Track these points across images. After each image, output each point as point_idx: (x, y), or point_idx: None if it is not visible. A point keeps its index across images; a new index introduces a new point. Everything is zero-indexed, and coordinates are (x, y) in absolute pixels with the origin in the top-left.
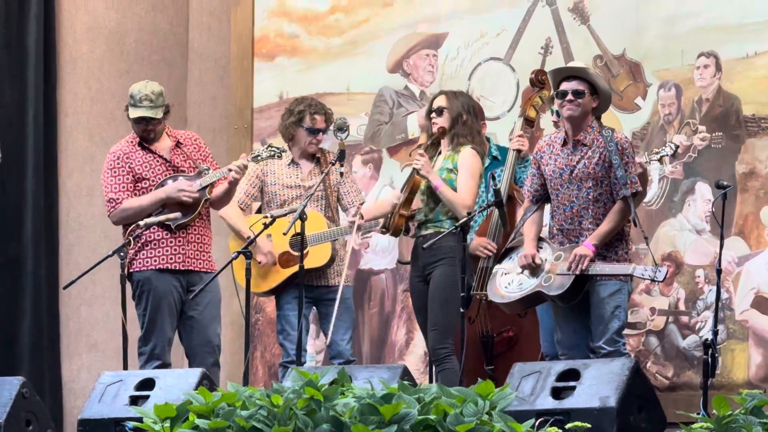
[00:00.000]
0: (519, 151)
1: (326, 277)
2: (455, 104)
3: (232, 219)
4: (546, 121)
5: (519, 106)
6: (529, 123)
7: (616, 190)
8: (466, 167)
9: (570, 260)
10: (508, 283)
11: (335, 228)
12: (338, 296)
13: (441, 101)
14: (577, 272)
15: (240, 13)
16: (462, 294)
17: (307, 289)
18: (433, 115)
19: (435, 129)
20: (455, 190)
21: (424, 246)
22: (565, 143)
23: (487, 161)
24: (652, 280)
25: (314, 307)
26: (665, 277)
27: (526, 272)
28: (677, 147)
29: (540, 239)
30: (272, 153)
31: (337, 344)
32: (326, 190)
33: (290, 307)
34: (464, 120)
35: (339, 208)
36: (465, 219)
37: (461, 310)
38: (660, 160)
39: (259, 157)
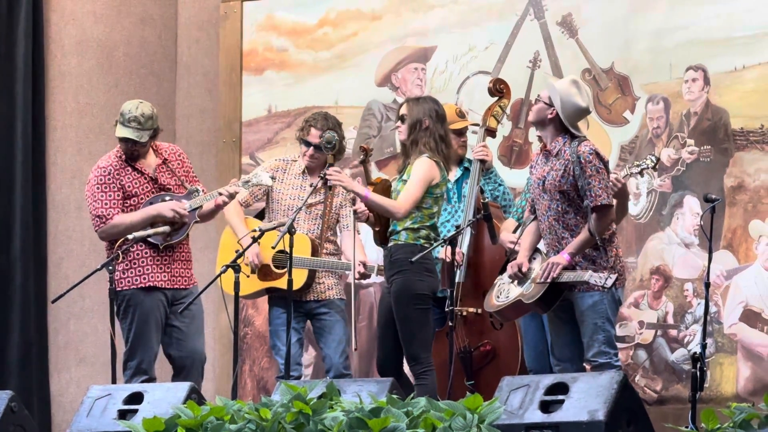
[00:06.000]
0: (483, 161)
1: (315, 291)
2: (415, 111)
3: (232, 218)
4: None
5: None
6: (491, 133)
7: (584, 205)
8: (413, 174)
9: (542, 268)
10: (500, 293)
11: (320, 260)
12: (351, 321)
13: (403, 109)
14: (549, 280)
15: (228, 27)
16: (450, 307)
17: (296, 304)
18: (398, 123)
19: (399, 138)
20: None
21: (412, 260)
22: (541, 152)
23: (459, 172)
24: (602, 287)
25: (309, 321)
26: (613, 284)
27: (516, 281)
28: (658, 160)
29: (536, 250)
30: (261, 179)
31: (330, 358)
32: (325, 210)
33: (280, 323)
34: (425, 126)
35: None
36: (454, 233)
37: (450, 324)
38: (641, 173)
39: (249, 183)
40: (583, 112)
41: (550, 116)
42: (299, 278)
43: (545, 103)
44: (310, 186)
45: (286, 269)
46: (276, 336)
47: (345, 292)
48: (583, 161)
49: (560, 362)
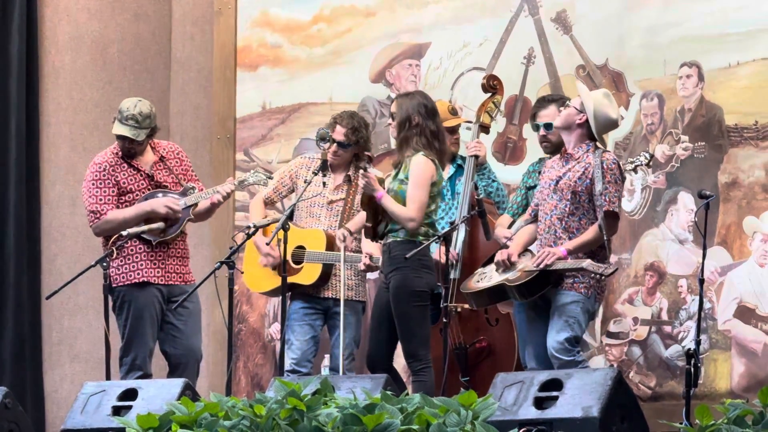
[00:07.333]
0: (476, 157)
1: (335, 289)
2: (404, 108)
3: (251, 213)
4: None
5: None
6: (485, 129)
7: (597, 205)
8: (413, 176)
9: (537, 255)
10: (480, 279)
11: (334, 253)
12: (341, 311)
13: (393, 106)
14: (541, 266)
15: (223, 23)
16: (445, 304)
17: (315, 301)
18: (390, 121)
19: (392, 134)
20: (404, 201)
21: (407, 256)
22: (561, 156)
23: (452, 169)
24: (601, 275)
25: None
26: (611, 273)
27: (501, 269)
28: (652, 156)
29: (527, 250)
30: (258, 179)
31: (336, 358)
32: (345, 206)
33: (297, 317)
34: (414, 122)
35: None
36: (448, 229)
37: (444, 320)
38: (635, 170)
39: (245, 182)
40: (613, 125)
41: (579, 121)
42: (313, 273)
43: (576, 109)
44: (315, 185)
45: (302, 265)
46: (291, 330)
47: (362, 293)
48: (605, 167)
49: (538, 363)
